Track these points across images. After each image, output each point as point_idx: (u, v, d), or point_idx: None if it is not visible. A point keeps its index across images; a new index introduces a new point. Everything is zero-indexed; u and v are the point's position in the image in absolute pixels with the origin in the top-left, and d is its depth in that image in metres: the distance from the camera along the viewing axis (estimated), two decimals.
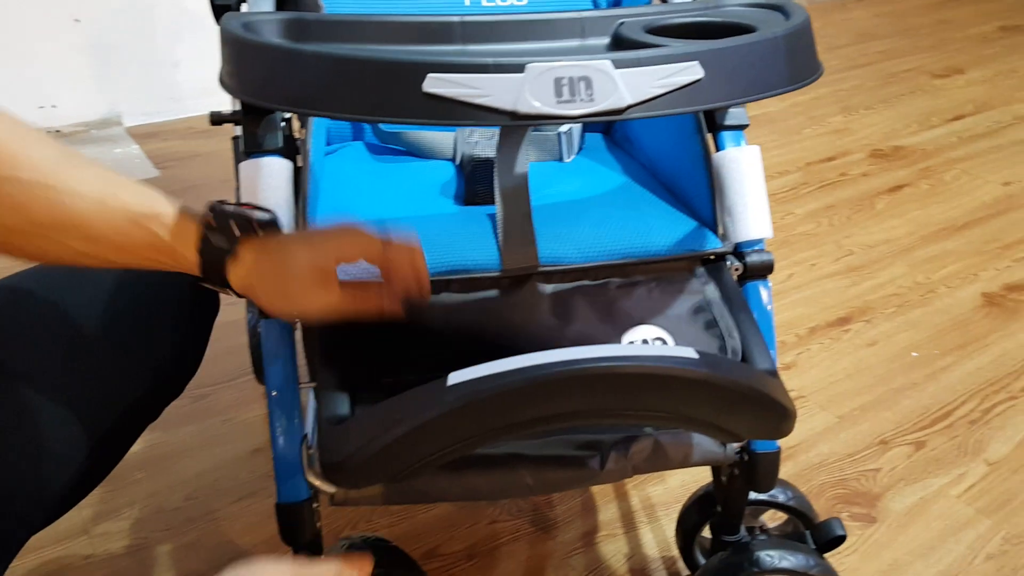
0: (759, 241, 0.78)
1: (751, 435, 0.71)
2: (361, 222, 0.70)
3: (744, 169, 0.77)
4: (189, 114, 2.36)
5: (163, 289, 0.83)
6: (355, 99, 0.52)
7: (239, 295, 0.69)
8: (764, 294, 0.79)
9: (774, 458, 0.79)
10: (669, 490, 1.17)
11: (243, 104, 0.74)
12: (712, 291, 0.76)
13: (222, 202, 0.68)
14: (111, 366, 0.76)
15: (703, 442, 0.78)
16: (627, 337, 0.73)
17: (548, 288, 0.75)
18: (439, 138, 0.94)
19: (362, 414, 0.66)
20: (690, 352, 0.60)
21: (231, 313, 1.52)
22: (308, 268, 0.66)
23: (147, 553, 1.10)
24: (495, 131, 0.94)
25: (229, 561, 1.08)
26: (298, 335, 0.76)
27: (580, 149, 0.97)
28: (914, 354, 1.45)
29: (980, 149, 2.15)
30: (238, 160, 0.88)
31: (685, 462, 0.80)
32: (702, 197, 0.80)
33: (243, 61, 0.58)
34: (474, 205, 0.85)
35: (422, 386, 0.60)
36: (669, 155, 0.87)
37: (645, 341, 0.72)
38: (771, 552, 0.86)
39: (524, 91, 0.50)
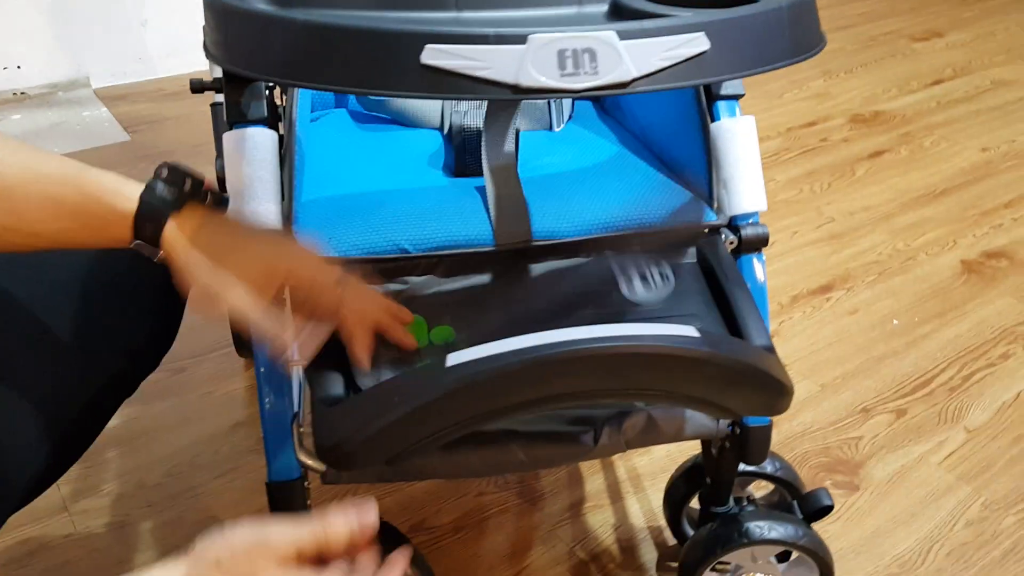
0: (754, 214, 0.78)
1: (748, 412, 0.71)
2: (326, 257, 0.68)
3: (740, 140, 0.76)
4: (158, 75, 2.30)
5: (137, 263, 0.80)
6: (349, 71, 0.49)
7: (160, 260, 0.66)
8: (758, 268, 0.78)
9: (766, 431, 0.79)
10: (655, 460, 1.17)
11: (225, 72, 0.71)
12: (705, 263, 0.75)
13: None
14: (85, 344, 0.74)
15: (695, 416, 0.77)
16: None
17: (540, 264, 0.74)
18: (426, 107, 0.91)
19: (358, 396, 0.64)
20: (691, 330, 0.59)
21: None
22: (258, 261, 0.64)
23: (129, 530, 1.08)
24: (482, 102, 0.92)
25: None
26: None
27: (570, 117, 0.95)
28: (895, 322, 1.45)
29: (959, 114, 2.15)
30: (219, 129, 0.85)
31: (678, 436, 0.79)
32: (698, 168, 0.79)
33: (228, 29, 0.56)
34: (464, 177, 0.83)
35: (419, 367, 0.58)
36: (663, 125, 0.86)
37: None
38: (760, 523, 0.86)
39: (527, 64, 0.48)
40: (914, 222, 1.72)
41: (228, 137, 0.71)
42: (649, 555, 1.05)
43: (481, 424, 0.66)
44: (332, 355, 0.68)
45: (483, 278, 0.74)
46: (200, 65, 2.23)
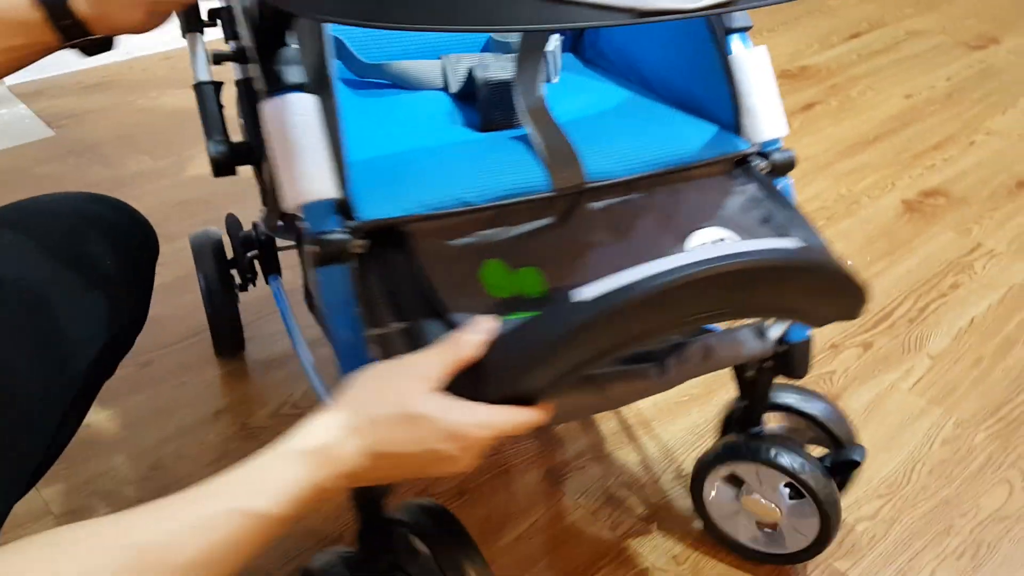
0: (777, 140, 0.80)
1: (836, 317, 0.70)
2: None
3: (758, 69, 0.78)
4: (75, 68, 2.20)
5: (102, 236, 0.79)
6: (466, 9, 0.48)
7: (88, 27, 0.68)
8: (792, 190, 0.81)
9: (807, 346, 0.83)
10: (655, 405, 1.20)
11: (259, 35, 0.69)
12: (754, 189, 0.77)
13: None
14: (69, 324, 0.72)
15: (748, 340, 0.80)
16: (690, 242, 0.72)
17: (599, 205, 0.74)
18: (426, 67, 0.90)
19: (492, 350, 0.60)
20: (801, 243, 0.61)
21: (168, 275, 1.46)
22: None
23: None
24: (483, 56, 0.92)
25: None
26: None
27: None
28: (849, 263, 1.51)
29: (880, 64, 2.23)
30: (248, 103, 0.82)
31: (736, 359, 0.82)
32: (720, 102, 0.80)
33: None
34: (491, 131, 0.83)
35: (549, 307, 0.57)
36: (673, 66, 0.87)
37: (709, 243, 0.72)
38: (772, 447, 0.90)
39: None
40: (853, 168, 1.79)
41: (269, 106, 0.68)
42: (656, 498, 1.08)
43: (605, 360, 0.63)
44: (429, 309, 0.66)
45: (547, 221, 0.73)
46: (116, 56, 2.16)
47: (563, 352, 0.58)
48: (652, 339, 0.64)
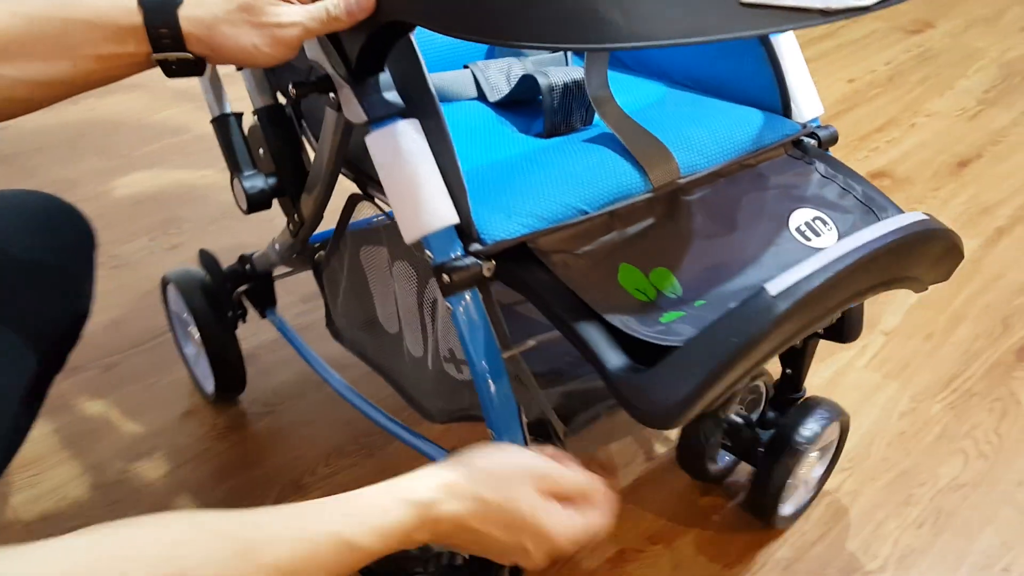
0: (817, 118, 0.84)
1: (937, 280, 0.74)
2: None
3: (793, 53, 0.82)
4: None
5: (34, 230, 0.78)
6: (669, 22, 0.48)
7: (195, 57, 0.64)
8: None
9: (861, 310, 0.89)
10: None
11: (357, 64, 0.66)
12: (821, 167, 0.81)
13: None
14: (8, 321, 0.72)
15: None
16: (792, 223, 0.75)
17: (694, 198, 0.76)
18: (459, 78, 0.90)
19: (685, 348, 0.61)
20: (922, 216, 0.65)
21: (124, 278, 1.44)
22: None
23: None
24: (508, 61, 0.92)
25: None
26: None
27: None
28: None
29: (823, 50, 2.29)
30: (283, 131, 0.79)
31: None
32: (767, 87, 0.83)
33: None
34: (556, 135, 0.83)
35: (738, 306, 0.59)
36: (711, 57, 0.89)
37: (807, 224, 0.76)
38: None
39: None
40: None
41: (376, 137, 0.66)
42: (629, 479, 1.10)
43: (777, 353, 0.66)
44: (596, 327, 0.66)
45: (653, 220, 0.74)
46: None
47: (762, 345, 0.59)
48: (816, 328, 0.67)
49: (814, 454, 1.01)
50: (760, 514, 1.03)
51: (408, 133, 0.66)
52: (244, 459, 1.15)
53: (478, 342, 0.69)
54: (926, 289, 0.72)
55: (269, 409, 1.22)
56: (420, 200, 0.65)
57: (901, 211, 0.76)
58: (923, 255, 0.66)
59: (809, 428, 0.96)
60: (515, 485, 0.59)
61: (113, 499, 1.08)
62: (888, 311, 1.39)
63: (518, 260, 0.69)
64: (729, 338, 0.59)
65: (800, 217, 0.76)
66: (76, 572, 0.42)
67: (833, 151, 0.85)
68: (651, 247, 0.73)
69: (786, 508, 1.02)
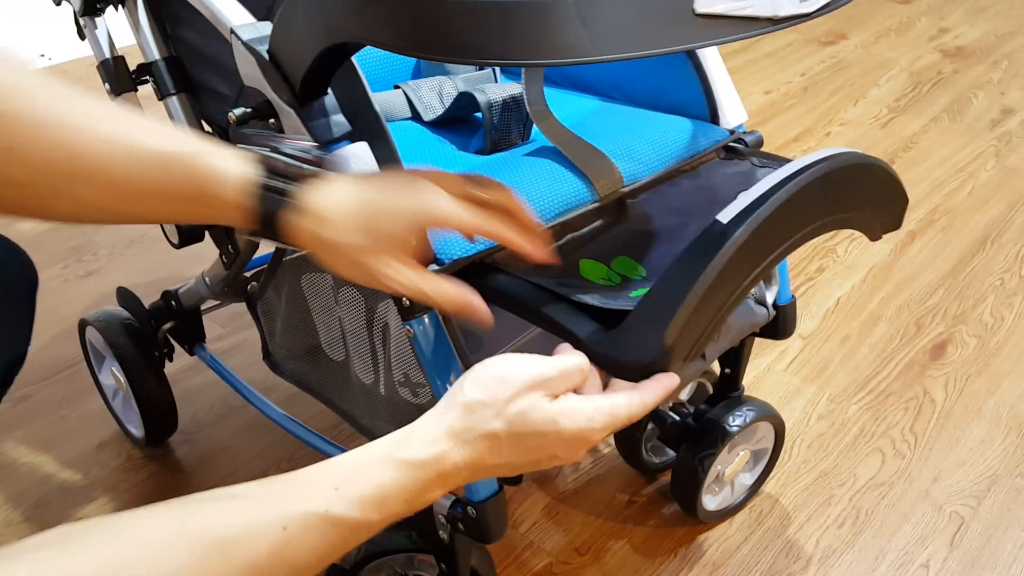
0: (742, 124, 0.87)
1: (886, 228, 0.72)
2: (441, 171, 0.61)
3: (715, 63, 0.85)
4: None
5: None
6: (633, 34, 0.48)
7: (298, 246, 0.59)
8: None
9: (793, 307, 0.91)
10: None
11: (302, 88, 0.63)
12: (754, 158, 0.83)
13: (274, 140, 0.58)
14: None
15: (757, 309, 0.88)
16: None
17: (642, 200, 0.78)
18: (391, 98, 0.90)
19: (651, 292, 0.59)
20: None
21: (38, 306, 1.39)
22: (394, 226, 0.57)
23: None
24: (439, 80, 0.92)
25: None
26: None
27: None
28: None
29: (739, 63, 2.34)
30: None
31: (751, 329, 0.90)
32: (695, 97, 0.86)
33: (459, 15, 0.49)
34: (497, 152, 0.83)
35: (694, 241, 0.58)
36: (639, 69, 0.91)
37: None
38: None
39: None
40: None
41: (326, 164, 0.63)
42: (555, 492, 1.10)
43: (750, 287, 0.64)
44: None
45: (605, 222, 0.76)
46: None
47: (724, 274, 0.57)
48: (773, 265, 0.66)
49: (740, 452, 1.02)
50: (680, 500, 1.05)
51: (359, 156, 0.65)
52: (163, 489, 1.12)
53: (440, 363, 0.68)
54: (879, 237, 0.72)
55: (187, 437, 1.19)
56: None
57: None
58: (866, 184, 0.66)
59: (734, 418, 0.99)
60: (520, 403, 0.54)
61: (24, 535, 1.04)
62: (806, 315, 1.42)
63: (477, 274, 0.69)
64: (692, 271, 0.57)
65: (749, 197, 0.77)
66: None
67: None
68: (608, 243, 0.74)
69: (710, 501, 1.04)
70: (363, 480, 0.50)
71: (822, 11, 0.54)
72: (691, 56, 0.86)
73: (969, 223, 1.65)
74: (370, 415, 0.83)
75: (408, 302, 0.66)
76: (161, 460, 1.16)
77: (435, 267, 0.67)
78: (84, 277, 1.49)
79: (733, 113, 0.87)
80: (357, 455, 0.51)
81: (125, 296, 1.11)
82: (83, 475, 1.13)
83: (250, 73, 0.68)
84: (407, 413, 0.76)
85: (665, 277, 0.59)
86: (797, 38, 2.48)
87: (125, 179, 0.54)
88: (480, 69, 0.96)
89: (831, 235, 1.62)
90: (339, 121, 0.66)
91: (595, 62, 0.49)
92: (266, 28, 0.67)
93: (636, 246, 0.74)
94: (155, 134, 0.55)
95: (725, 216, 0.58)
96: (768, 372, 1.31)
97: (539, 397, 0.54)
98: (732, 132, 0.86)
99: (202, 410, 1.23)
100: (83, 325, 1.14)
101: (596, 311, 0.63)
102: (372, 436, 0.82)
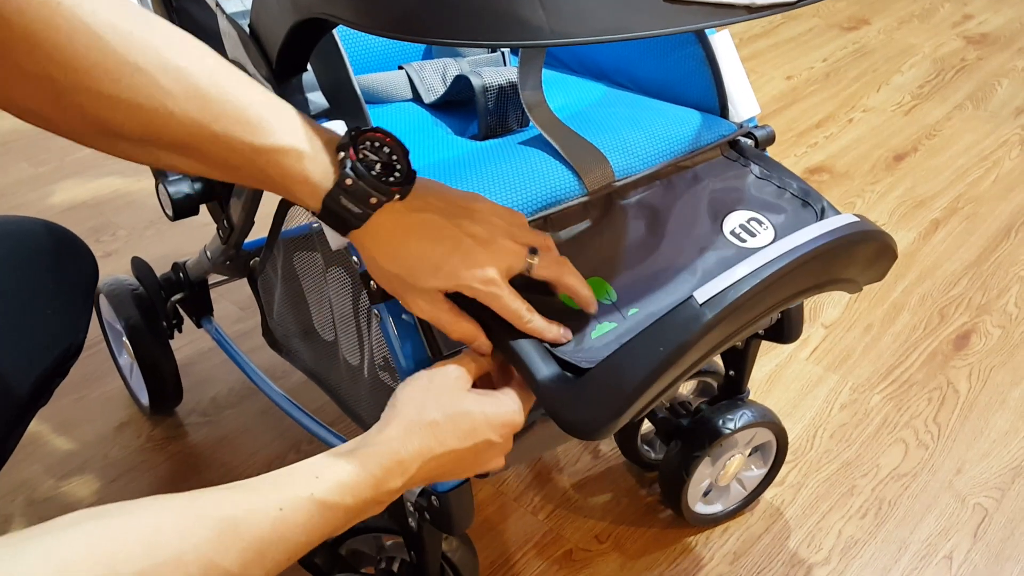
0: (754, 118, 0.83)
1: (872, 280, 0.73)
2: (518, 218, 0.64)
3: (728, 55, 0.81)
4: None
5: (41, 261, 0.76)
6: (593, 20, 0.46)
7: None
8: None
9: (800, 310, 0.89)
10: None
11: (278, 63, 0.62)
12: (756, 168, 0.80)
13: (363, 149, 0.58)
14: (9, 349, 0.69)
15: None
16: (727, 227, 0.74)
17: (630, 201, 0.75)
18: (393, 79, 0.88)
19: (612, 359, 0.60)
20: (855, 217, 0.64)
21: None
22: (436, 277, 0.61)
23: None
24: (444, 62, 0.90)
25: None
26: None
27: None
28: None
29: (760, 48, 2.31)
30: None
31: (754, 330, 0.88)
32: (704, 87, 0.82)
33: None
34: (491, 138, 0.81)
35: (666, 315, 0.58)
36: (648, 56, 0.88)
37: (742, 225, 0.75)
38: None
39: None
40: None
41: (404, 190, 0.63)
42: (575, 480, 1.09)
43: (709, 359, 0.65)
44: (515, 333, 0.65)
45: (589, 224, 0.73)
46: None
47: (689, 354, 0.58)
48: (749, 332, 0.65)
49: (734, 456, 0.99)
50: (666, 498, 1.03)
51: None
52: (181, 470, 1.12)
53: (406, 349, 0.67)
54: (860, 290, 0.72)
55: (207, 419, 1.19)
56: None
57: (836, 210, 0.76)
58: (857, 257, 0.66)
59: (729, 421, 0.95)
60: (451, 395, 0.61)
61: (45, 516, 1.04)
62: (828, 304, 1.41)
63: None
64: (656, 349, 0.58)
65: (735, 220, 0.75)
66: (70, 570, 0.42)
67: (773, 147, 0.85)
68: (586, 255, 0.72)
69: (700, 505, 1.02)
70: (337, 468, 0.55)
71: (805, 2, 0.52)
72: (702, 44, 0.82)
73: (993, 212, 1.63)
74: (354, 397, 0.83)
75: (375, 284, 0.65)
76: (180, 442, 1.16)
77: None
78: (103, 257, 1.49)
79: (745, 106, 0.83)
80: (334, 450, 0.58)
81: (139, 266, 1.12)
82: (103, 456, 1.13)
83: (232, 47, 0.67)
84: (387, 398, 0.76)
85: (629, 349, 0.60)
86: (819, 23, 2.45)
87: (212, 157, 0.55)
88: (493, 51, 0.94)
89: None
90: (316, 98, 0.65)
91: (552, 45, 0.48)
92: (250, 2, 0.66)
93: (612, 263, 0.72)
94: (248, 117, 0.55)
95: (702, 295, 0.58)
96: (790, 360, 1.29)
97: (465, 389, 0.63)
98: (741, 126, 0.83)
99: (222, 392, 1.23)
100: (96, 293, 1.15)
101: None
102: (358, 419, 0.82)
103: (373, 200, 0.58)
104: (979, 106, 2.01)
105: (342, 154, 0.57)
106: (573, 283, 0.65)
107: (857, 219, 0.65)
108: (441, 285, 0.61)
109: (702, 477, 0.99)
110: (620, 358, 0.60)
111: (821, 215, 0.75)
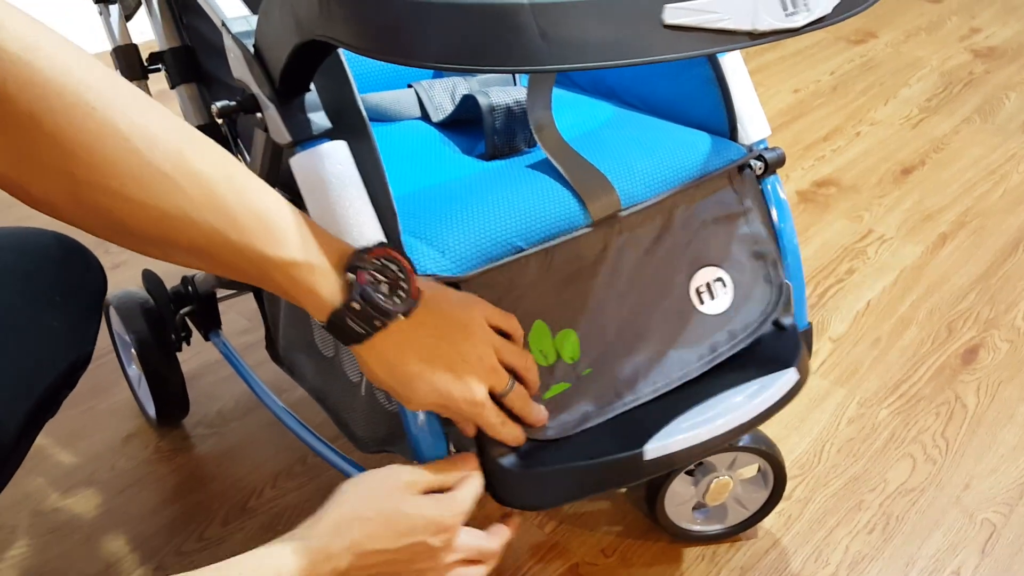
0: (764, 140, 0.83)
1: None
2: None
3: (738, 75, 0.81)
4: None
5: (51, 272, 0.76)
6: (595, 43, 0.46)
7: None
8: (780, 188, 0.86)
9: (809, 334, 0.91)
10: None
11: (281, 83, 0.63)
12: (750, 218, 0.81)
13: (372, 271, 0.59)
14: (18, 360, 0.69)
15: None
16: (694, 283, 0.78)
17: (624, 237, 0.75)
18: (402, 97, 0.88)
19: (556, 472, 0.71)
20: (793, 374, 0.79)
21: None
22: (433, 394, 0.64)
23: (34, 560, 1.01)
24: (454, 81, 0.91)
25: (133, 551, 1.01)
26: None
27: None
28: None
29: (768, 61, 2.32)
30: (265, 159, 0.77)
31: None
32: (714, 109, 0.82)
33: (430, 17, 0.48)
34: (496, 159, 0.81)
35: (617, 458, 0.70)
36: (658, 77, 0.88)
37: (708, 284, 0.79)
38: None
39: (759, 9, 0.49)
40: None
41: (301, 160, 0.63)
42: None
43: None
44: None
45: (582, 261, 0.74)
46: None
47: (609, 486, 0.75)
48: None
49: (721, 477, 0.96)
50: (648, 510, 1.01)
51: (334, 155, 0.64)
52: (189, 482, 1.12)
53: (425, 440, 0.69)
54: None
55: (214, 431, 1.19)
56: (346, 224, 0.63)
57: (788, 302, 0.84)
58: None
59: None
60: (394, 495, 0.63)
61: (52, 527, 1.05)
62: (836, 317, 1.41)
63: None
64: (598, 479, 0.71)
65: (703, 277, 0.79)
66: None
67: None
68: (567, 302, 0.73)
69: (691, 525, 1.01)
70: (268, 568, 0.58)
71: (811, 27, 0.52)
72: (712, 64, 0.83)
73: (1001, 226, 1.62)
74: (351, 414, 0.83)
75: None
76: (187, 454, 1.16)
77: None
78: (112, 269, 1.50)
79: (755, 127, 0.83)
80: (259, 551, 0.59)
81: (150, 279, 1.13)
82: (110, 467, 1.13)
83: (237, 66, 0.68)
84: (382, 419, 0.76)
85: (573, 472, 0.71)
86: (826, 36, 2.46)
87: (224, 261, 0.57)
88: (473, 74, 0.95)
89: (860, 236, 1.60)
90: (319, 119, 0.65)
91: (551, 71, 0.49)
92: (255, 22, 0.67)
93: (587, 315, 0.74)
94: (263, 227, 0.56)
95: (650, 453, 0.71)
96: None
97: (411, 493, 0.64)
98: (750, 149, 0.83)
99: (228, 404, 1.23)
100: (105, 305, 1.15)
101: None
102: (351, 435, 0.83)
103: (377, 323, 0.59)
104: (987, 119, 2.01)
105: (351, 276, 0.59)
106: (531, 416, 0.70)
107: (796, 377, 0.78)
108: (431, 401, 0.64)
109: (682, 497, 0.98)
110: (561, 476, 0.71)
111: (776, 298, 0.83)
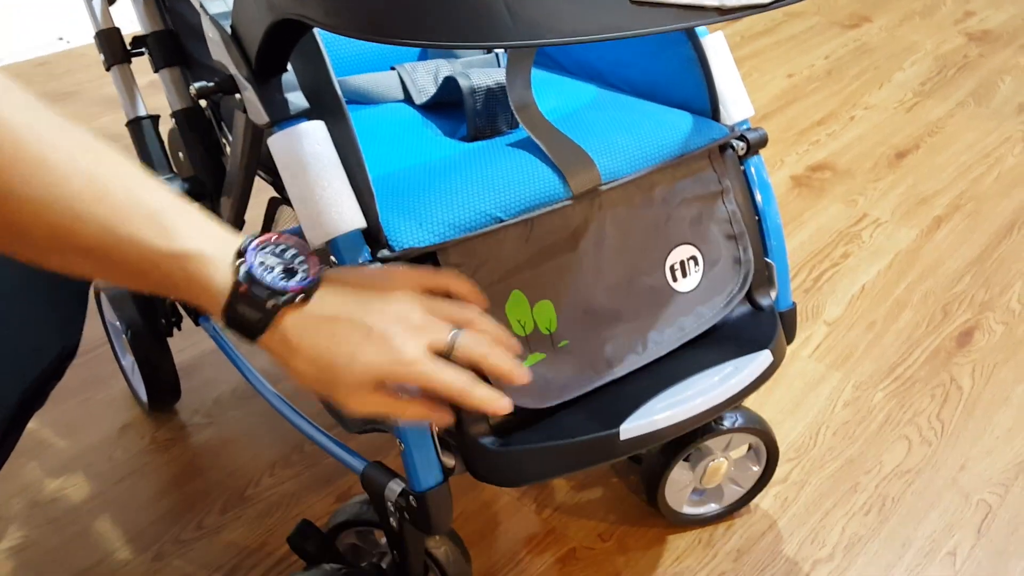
0: (747, 120, 0.83)
1: None
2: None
3: (720, 56, 0.81)
4: None
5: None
6: (562, 18, 0.46)
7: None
8: (764, 169, 0.86)
9: (794, 313, 0.91)
10: None
11: (257, 63, 0.63)
12: (728, 199, 0.81)
13: (265, 252, 0.56)
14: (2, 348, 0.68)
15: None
16: (669, 260, 0.79)
17: (606, 212, 0.76)
18: (385, 79, 0.88)
19: (525, 452, 0.71)
20: (767, 356, 0.80)
21: None
22: (362, 375, 0.57)
23: (34, 551, 1.01)
24: (437, 63, 0.90)
25: (131, 540, 1.01)
26: None
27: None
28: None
29: (763, 46, 2.31)
30: (200, 134, 0.76)
31: None
32: (696, 89, 0.82)
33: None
34: (479, 140, 0.81)
35: (594, 438, 0.71)
36: (640, 57, 0.88)
37: (683, 262, 0.80)
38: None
39: None
40: None
41: (279, 139, 0.63)
42: (578, 478, 1.09)
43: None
44: None
45: (564, 232, 0.74)
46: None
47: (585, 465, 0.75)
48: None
49: (717, 460, 0.97)
50: (648, 499, 1.02)
51: (311, 135, 0.64)
52: (185, 472, 1.12)
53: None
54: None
55: (210, 420, 1.19)
56: (324, 203, 0.63)
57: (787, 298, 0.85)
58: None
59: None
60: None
61: (50, 517, 1.05)
62: (831, 301, 1.41)
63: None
64: (575, 458, 0.72)
65: (679, 255, 0.80)
66: None
67: (776, 145, 0.85)
68: (545, 274, 0.73)
69: (688, 507, 1.02)
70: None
71: (780, 3, 0.52)
72: (694, 45, 0.82)
73: (996, 209, 1.62)
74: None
75: None
76: (184, 443, 1.16)
77: (387, 252, 0.66)
78: None
79: (737, 108, 0.83)
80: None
81: None
82: (107, 458, 1.13)
83: (215, 47, 0.68)
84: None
85: (550, 450, 0.72)
86: (820, 20, 2.45)
87: (119, 262, 0.53)
88: (488, 52, 0.94)
89: (855, 221, 1.61)
90: (296, 99, 0.65)
91: (519, 47, 0.49)
92: (232, 2, 0.67)
93: (565, 287, 0.74)
94: (156, 220, 0.53)
95: (627, 433, 0.72)
96: (792, 358, 1.29)
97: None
98: (732, 129, 0.83)
99: (224, 393, 1.23)
100: (96, 291, 1.16)
101: None
102: (338, 417, 0.83)
103: (270, 304, 0.56)
104: (981, 103, 2.01)
105: (239, 260, 0.55)
106: (498, 364, 0.60)
107: (770, 359, 0.80)
108: (363, 379, 0.57)
109: (681, 483, 0.98)
110: (537, 454, 0.72)
111: (743, 283, 0.84)
